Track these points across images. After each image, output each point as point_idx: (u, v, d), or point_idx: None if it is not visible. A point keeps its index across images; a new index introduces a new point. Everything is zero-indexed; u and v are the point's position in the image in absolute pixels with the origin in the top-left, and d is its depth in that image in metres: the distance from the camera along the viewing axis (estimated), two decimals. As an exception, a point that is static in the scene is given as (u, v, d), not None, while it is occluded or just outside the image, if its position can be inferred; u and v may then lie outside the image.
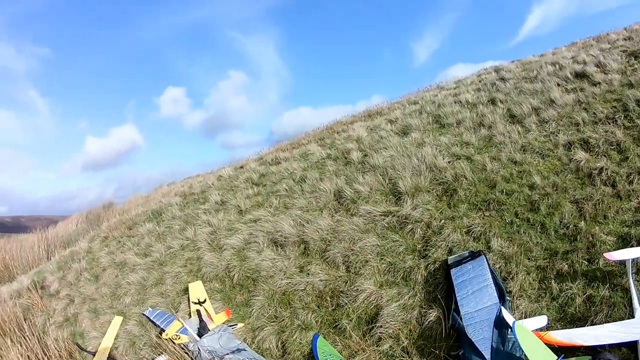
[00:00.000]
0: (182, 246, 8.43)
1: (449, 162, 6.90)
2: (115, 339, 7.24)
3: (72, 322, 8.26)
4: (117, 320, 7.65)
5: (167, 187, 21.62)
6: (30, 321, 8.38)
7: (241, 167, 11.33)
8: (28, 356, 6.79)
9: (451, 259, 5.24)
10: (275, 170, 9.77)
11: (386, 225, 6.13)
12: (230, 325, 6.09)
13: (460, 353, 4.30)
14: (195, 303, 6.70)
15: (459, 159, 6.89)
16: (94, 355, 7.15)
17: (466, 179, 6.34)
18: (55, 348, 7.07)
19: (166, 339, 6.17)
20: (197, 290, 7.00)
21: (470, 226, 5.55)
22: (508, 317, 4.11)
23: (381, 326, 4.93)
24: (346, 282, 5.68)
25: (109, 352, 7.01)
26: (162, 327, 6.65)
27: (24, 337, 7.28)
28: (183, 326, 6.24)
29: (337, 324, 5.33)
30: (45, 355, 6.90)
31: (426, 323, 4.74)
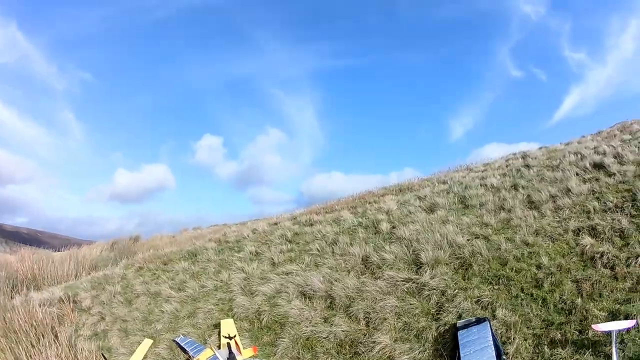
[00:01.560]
0: (216, 287, 9.34)
1: (468, 239, 7.60)
2: (143, 358, 7.91)
3: (101, 337, 9.08)
4: (147, 342, 8.32)
5: (192, 230, 23.55)
6: (61, 329, 9.27)
7: (275, 224, 12.37)
8: (61, 358, 7.55)
9: (460, 322, 5.89)
10: (308, 231, 10.69)
11: (406, 289, 6.82)
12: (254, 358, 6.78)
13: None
14: (226, 337, 7.45)
15: (478, 237, 7.60)
16: None
17: (481, 255, 7.02)
18: (85, 357, 7.90)
19: None
20: (228, 326, 7.75)
21: (480, 297, 6.19)
22: (501, 373, 4.72)
23: (393, 375, 5.53)
24: (365, 335, 6.33)
25: None
26: (191, 354, 7.36)
27: (57, 341, 8.14)
28: (214, 354, 6.96)
29: (353, 370, 5.92)
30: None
31: (432, 375, 5.32)
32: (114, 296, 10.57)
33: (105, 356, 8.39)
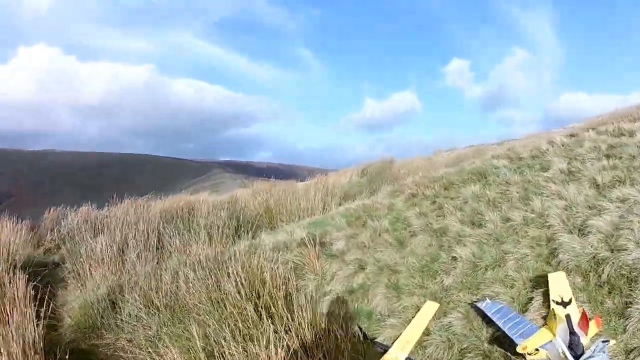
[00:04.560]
0: (525, 219, 6.81)
1: None
2: (424, 333, 5.33)
3: (359, 296, 6.62)
4: (431, 306, 5.69)
5: (447, 152, 20.71)
6: (298, 285, 6.97)
7: (571, 136, 9.65)
8: (288, 346, 5.10)
9: None
10: (627, 142, 8.02)
11: None
12: (603, 341, 4.30)
13: None
14: (558, 303, 4.90)
15: None
16: (385, 350, 5.22)
17: None
18: (331, 331, 5.50)
19: (523, 353, 4.45)
20: (559, 284, 5.19)
21: None
22: None
23: None
24: None
25: (411, 351, 5.08)
26: (504, 328, 4.80)
27: (290, 316, 5.61)
28: (553, 339, 4.47)
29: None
30: (316, 343, 5.34)
31: None
32: (379, 235, 7.88)
33: (362, 327, 5.91)
